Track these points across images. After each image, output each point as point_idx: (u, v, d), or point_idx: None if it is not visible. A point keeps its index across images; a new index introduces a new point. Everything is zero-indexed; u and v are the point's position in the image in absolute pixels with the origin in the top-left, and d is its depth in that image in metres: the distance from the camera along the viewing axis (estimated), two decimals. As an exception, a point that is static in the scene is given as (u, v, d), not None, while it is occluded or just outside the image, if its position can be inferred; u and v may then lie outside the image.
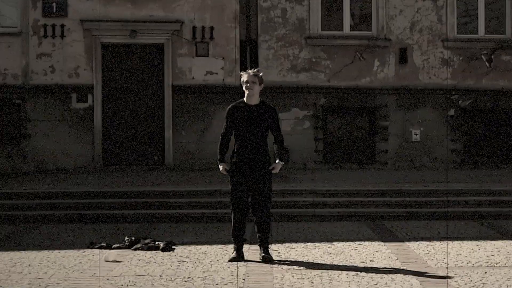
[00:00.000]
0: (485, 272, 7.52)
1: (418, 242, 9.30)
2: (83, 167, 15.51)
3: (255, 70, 8.30)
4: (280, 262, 8.09)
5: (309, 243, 9.27)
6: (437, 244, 9.18)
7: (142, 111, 15.78)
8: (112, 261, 8.17)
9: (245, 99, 8.27)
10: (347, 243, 9.30)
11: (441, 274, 7.46)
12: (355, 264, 7.98)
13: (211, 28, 15.78)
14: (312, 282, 7.09)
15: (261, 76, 8.22)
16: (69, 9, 15.57)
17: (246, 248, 8.89)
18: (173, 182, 13.37)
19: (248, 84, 8.15)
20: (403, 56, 16.14)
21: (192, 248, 9.00)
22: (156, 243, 9.06)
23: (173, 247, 9.01)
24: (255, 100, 8.21)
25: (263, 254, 8.15)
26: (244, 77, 8.20)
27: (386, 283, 7.02)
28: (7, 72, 15.51)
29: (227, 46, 15.83)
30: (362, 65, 16.13)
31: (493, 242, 9.31)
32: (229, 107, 8.32)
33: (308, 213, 11.46)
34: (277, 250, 8.72)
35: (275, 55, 15.98)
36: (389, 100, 16.18)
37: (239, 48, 15.89)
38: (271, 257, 8.17)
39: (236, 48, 15.87)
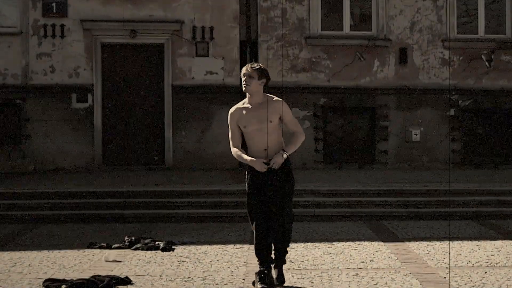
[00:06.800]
0: (485, 272, 7.52)
1: (418, 242, 9.29)
2: (83, 167, 15.50)
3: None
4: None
5: (309, 243, 9.27)
6: (437, 244, 9.18)
7: (142, 111, 15.77)
8: (112, 261, 8.17)
9: (246, 99, 7.03)
10: (347, 243, 9.30)
11: (441, 274, 7.46)
12: (355, 264, 7.98)
13: (211, 28, 15.77)
14: (312, 282, 7.09)
15: (261, 68, 6.91)
16: (69, 9, 15.57)
17: (246, 247, 8.90)
18: (173, 182, 13.37)
19: (245, 78, 6.85)
20: (403, 56, 16.13)
21: (192, 248, 8.99)
22: (156, 243, 9.06)
23: (173, 247, 9.01)
24: (258, 99, 6.98)
25: (275, 276, 6.96)
26: (242, 70, 6.94)
27: (386, 283, 7.02)
28: (7, 72, 15.50)
29: (227, 46, 15.83)
30: (362, 65, 16.12)
31: (493, 242, 9.31)
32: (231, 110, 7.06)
33: (308, 213, 11.45)
34: (277, 250, 8.71)
35: (275, 55, 15.97)
36: (389, 100, 16.17)
37: (239, 48, 15.89)
38: (283, 279, 7.02)
39: (236, 48, 15.87)
